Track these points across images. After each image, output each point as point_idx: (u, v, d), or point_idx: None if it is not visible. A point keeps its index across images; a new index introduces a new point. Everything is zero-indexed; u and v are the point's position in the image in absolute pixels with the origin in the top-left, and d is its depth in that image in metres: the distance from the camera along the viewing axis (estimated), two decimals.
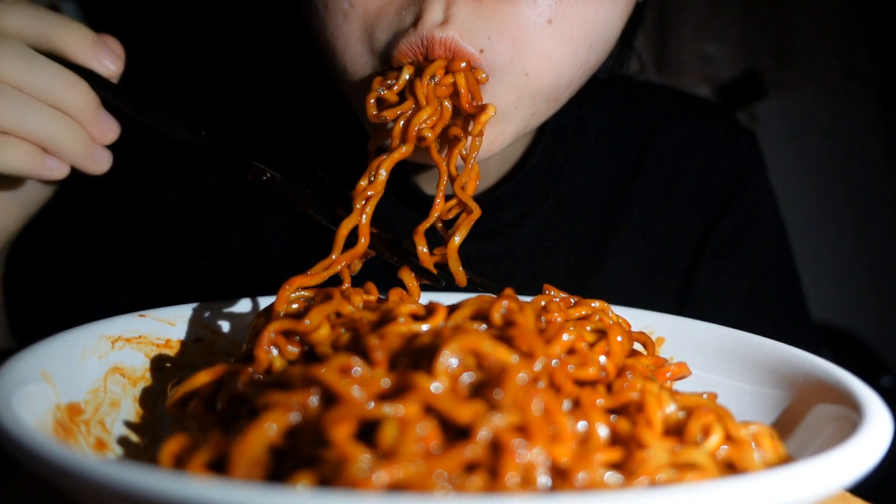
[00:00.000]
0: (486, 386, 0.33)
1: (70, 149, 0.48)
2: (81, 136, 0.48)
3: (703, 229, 0.76)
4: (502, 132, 0.55)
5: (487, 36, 0.50)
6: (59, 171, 0.49)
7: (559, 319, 0.40)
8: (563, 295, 0.45)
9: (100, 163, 0.50)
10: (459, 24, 0.49)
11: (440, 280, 0.48)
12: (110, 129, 0.49)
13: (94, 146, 0.49)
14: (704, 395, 0.39)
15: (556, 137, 0.72)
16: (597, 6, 0.53)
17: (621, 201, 0.74)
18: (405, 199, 0.70)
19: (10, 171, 0.47)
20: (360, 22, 0.52)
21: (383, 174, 0.47)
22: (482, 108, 0.49)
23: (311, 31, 0.57)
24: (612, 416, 0.35)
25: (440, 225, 0.50)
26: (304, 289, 0.43)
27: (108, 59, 0.48)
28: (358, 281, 0.47)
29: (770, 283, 0.77)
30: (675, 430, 0.36)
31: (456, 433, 0.31)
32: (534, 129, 0.65)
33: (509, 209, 0.71)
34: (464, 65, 0.50)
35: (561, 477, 0.31)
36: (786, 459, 0.37)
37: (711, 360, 0.47)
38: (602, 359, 0.39)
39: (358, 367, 0.33)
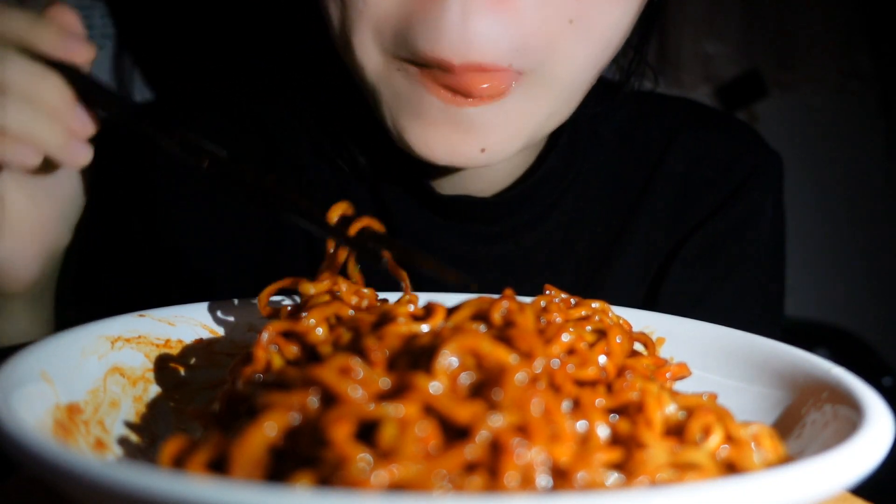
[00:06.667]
0: (485, 386, 0.33)
1: (46, 141, 0.47)
2: (57, 130, 0.47)
3: (680, 238, 0.72)
4: (518, 131, 0.55)
5: (515, 48, 0.50)
6: (32, 159, 0.47)
7: (559, 320, 0.40)
8: (563, 295, 0.45)
9: (77, 156, 0.49)
10: (482, 36, 0.49)
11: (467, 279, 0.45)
12: (86, 123, 0.48)
13: (70, 140, 0.48)
14: (704, 396, 0.39)
15: (573, 144, 0.71)
16: (615, 6, 0.53)
17: (632, 210, 0.73)
18: (421, 199, 0.69)
19: None
20: (372, 22, 0.52)
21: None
22: None
23: (328, 28, 0.57)
24: (612, 417, 0.35)
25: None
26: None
27: (78, 49, 0.47)
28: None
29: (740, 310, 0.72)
30: (676, 431, 0.36)
31: (455, 433, 0.31)
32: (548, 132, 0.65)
33: (521, 213, 0.70)
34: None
35: (561, 477, 0.31)
36: (786, 460, 0.37)
37: (711, 360, 0.47)
38: (602, 359, 0.39)
39: (358, 367, 0.33)
